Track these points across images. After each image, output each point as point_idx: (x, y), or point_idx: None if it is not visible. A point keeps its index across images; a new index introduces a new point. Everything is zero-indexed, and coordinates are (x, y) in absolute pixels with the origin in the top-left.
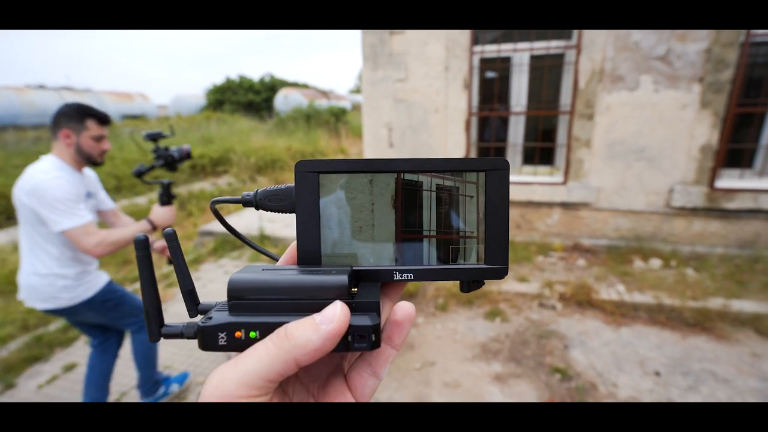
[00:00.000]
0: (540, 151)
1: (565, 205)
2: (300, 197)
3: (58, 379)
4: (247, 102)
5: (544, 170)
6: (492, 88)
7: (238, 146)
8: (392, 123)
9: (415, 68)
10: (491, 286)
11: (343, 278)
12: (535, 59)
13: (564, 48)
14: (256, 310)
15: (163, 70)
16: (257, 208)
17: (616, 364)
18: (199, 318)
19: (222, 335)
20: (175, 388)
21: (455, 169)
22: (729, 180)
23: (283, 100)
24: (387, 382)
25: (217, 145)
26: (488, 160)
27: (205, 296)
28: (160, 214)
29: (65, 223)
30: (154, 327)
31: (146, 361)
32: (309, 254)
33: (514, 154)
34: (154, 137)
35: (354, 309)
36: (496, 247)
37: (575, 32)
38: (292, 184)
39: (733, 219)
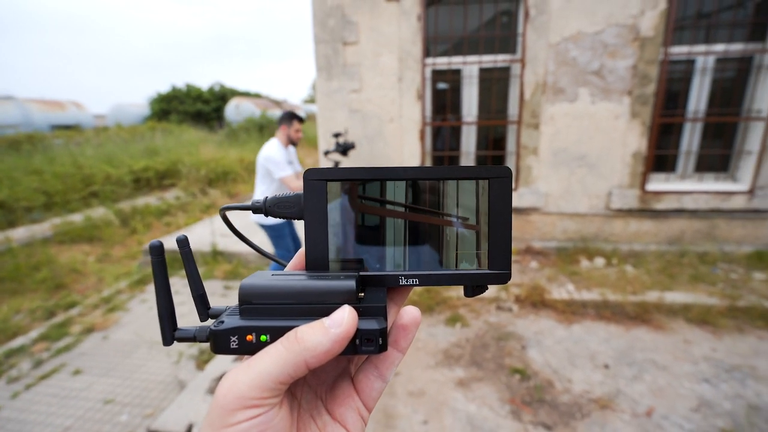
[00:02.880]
0: (491, 159)
1: (517, 210)
2: (308, 204)
3: None
4: (195, 111)
5: None
6: (444, 99)
7: (187, 158)
8: (348, 133)
9: (369, 79)
10: (450, 291)
11: (351, 283)
12: (483, 72)
13: (510, 62)
14: (266, 314)
15: (101, 78)
16: (266, 215)
17: (569, 360)
18: (210, 322)
19: (233, 339)
20: None
21: (459, 177)
22: (657, 183)
23: (234, 110)
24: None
25: (163, 157)
26: (491, 168)
27: (152, 321)
28: None
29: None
30: (167, 330)
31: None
32: (317, 260)
33: (467, 162)
34: (336, 135)
35: (362, 313)
36: (499, 253)
37: (519, 47)
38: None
39: (662, 218)
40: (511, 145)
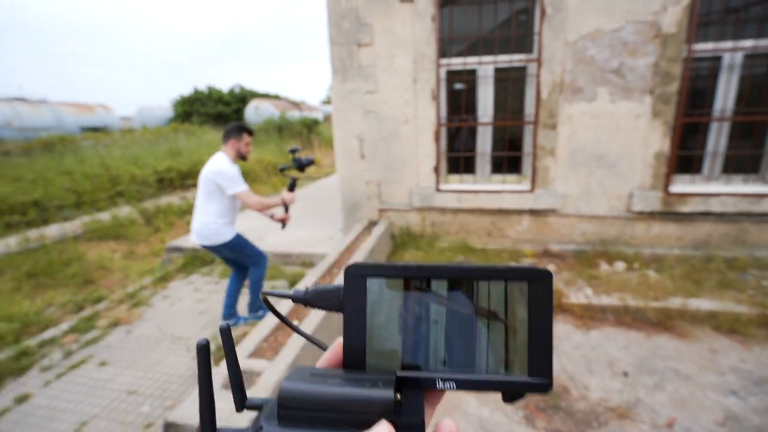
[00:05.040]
0: (507, 160)
1: (534, 212)
2: (347, 299)
3: (9, 412)
4: (216, 113)
5: (512, 178)
6: (459, 100)
7: (208, 158)
8: (363, 134)
9: (384, 80)
10: None
11: (389, 395)
12: (499, 71)
13: (526, 61)
14: (304, 423)
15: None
16: (305, 305)
17: (586, 366)
18: (246, 416)
19: None
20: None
21: (499, 277)
22: (681, 185)
23: (254, 112)
24: None
25: (185, 158)
26: (530, 269)
27: (174, 316)
28: (288, 196)
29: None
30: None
31: (254, 287)
32: (354, 355)
33: (483, 163)
34: (293, 150)
35: (399, 428)
36: (539, 360)
37: (536, 46)
38: (340, 284)
39: (686, 221)
40: (527, 145)
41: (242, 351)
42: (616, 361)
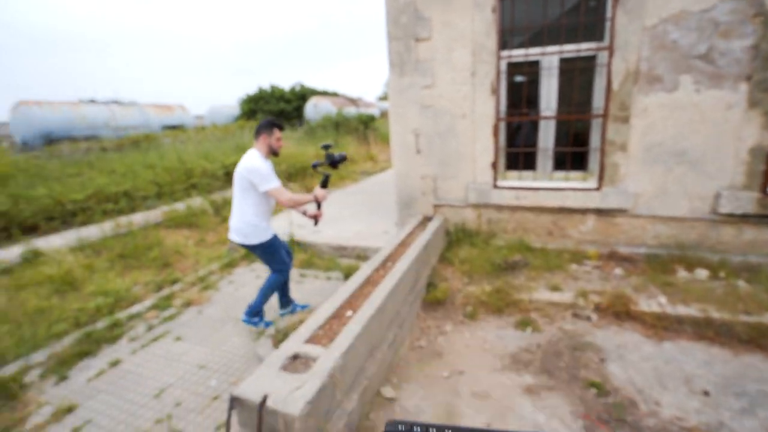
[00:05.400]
0: (572, 156)
1: (600, 212)
2: None
3: (105, 374)
4: (278, 111)
5: (576, 175)
6: (520, 93)
7: None
8: (419, 129)
9: (441, 74)
10: (521, 294)
11: None
12: (564, 62)
13: (596, 50)
14: None
15: (201, 82)
16: None
17: (658, 380)
18: None
19: None
20: (261, 325)
21: None
22: None
23: (313, 109)
24: (414, 389)
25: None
26: None
27: (238, 301)
28: (321, 193)
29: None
30: None
31: (264, 295)
32: None
33: (544, 159)
34: (326, 147)
35: None
36: None
37: (607, 33)
38: None
39: None
40: (594, 140)
41: (299, 336)
42: (695, 378)
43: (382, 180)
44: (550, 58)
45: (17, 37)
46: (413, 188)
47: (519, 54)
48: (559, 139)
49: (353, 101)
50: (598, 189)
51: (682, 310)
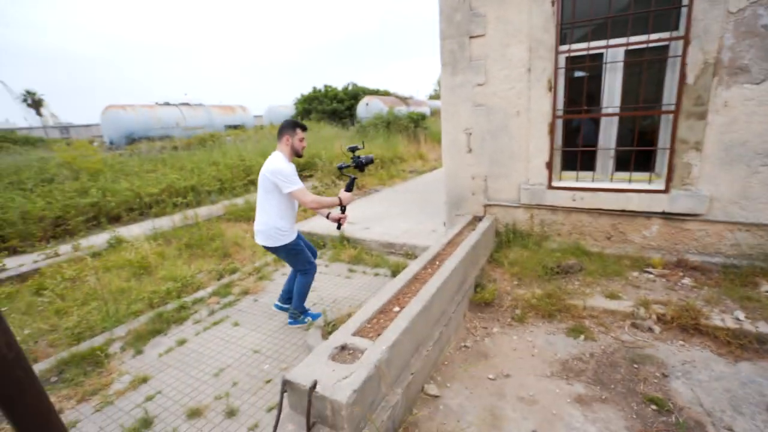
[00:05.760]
0: (636, 156)
1: (667, 216)
2: None
3: (173, 351)
4: (331, 110)
5: (640, 176)
6: (580, 88)
7: (323, 152)
8: (471, 128)
9: (495, 71)
10: (574, 299)
11: None
12: (630, 54)
13: (668, 40)
14: None
15: (260, 83)
16: None
17: (731, 403)
18: None
19: None
20: (308, 319)
21: None
22: None
23: (364, 108)
24: (458, 388)
25: (304, 151)
26: None
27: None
28: (345, 196)
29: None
30: None
31: (299, 296)
32: None
33: (604, 158)
34: (352, 149)
35: None
36: None
37: (683, 21)
38: None
39: None
40: (663, 139)
41: (347, 329)
42: None
43: (431, 179)
44: (614, 50)
45: (103, 46)
46: (463, 187)
47: (580, 48)
48: (622, 138)
49: (404, 100)
50: (665, 191)
51: (764, 327)
